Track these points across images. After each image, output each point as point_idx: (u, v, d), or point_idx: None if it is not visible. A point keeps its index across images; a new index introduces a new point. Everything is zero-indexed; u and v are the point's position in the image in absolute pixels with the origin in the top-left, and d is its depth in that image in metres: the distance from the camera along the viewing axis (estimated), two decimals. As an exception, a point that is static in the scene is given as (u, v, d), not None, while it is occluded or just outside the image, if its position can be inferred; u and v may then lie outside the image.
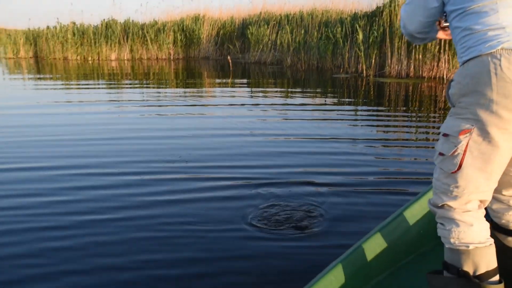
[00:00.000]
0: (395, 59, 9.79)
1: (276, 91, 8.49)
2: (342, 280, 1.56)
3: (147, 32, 17.35)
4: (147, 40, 17.35)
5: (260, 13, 17.21)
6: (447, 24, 1.48)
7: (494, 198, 1.53)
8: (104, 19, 17.72)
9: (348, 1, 15.66)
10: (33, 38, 18.29)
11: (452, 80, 1.39)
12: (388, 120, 5.74)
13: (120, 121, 5.88)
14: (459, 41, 1.36)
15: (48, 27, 17.93)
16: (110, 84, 9.97)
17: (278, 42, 14.06)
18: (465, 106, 1.32)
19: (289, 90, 8.73)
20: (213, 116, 6.21)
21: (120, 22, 17.78)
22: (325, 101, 7.38)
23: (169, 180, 3.42)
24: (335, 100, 7.47)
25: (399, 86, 8.88)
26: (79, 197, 3.08)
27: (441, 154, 1.39)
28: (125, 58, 17.41)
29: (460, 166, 1.34)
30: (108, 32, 17.23)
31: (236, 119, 5.78)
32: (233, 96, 7.94)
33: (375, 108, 6.71)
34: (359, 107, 6.78)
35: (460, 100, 1.33)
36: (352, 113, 6.29)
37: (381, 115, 6.13)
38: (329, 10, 15.02)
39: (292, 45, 13.35)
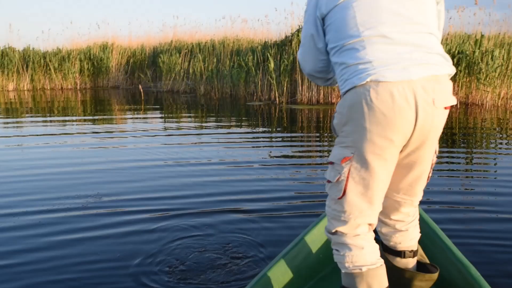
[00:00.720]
0: (305, 87, 10.15)
1: (190, 120, 8.32)
2: None
3: (50, 60, 16.31)
4: (50, 69, 16.29)
5: (171, 41, 17.04)
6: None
7: (382, 222, 1.67)
8: (-1, 47, 16.39)
9: (257, 30, 16.15)
10: None
11: (335, 111, 1.49)
12: (301, 145, 5.90)
13: (21, 156, 5.34)
14: (338, 75, 1.46)
15: None
16: (7, 116, 9.10)
17: (191, 70, 13.97)
18: (345, 135, 1.42)
19: (204, 118, 8.61)
20: (126, 147, 5.87)
21: (18, 50, 16.53)
22: (240, 128, 7.36)
23: (79, 217, 3.20)
24: (249, 127, 7.48)
25: (310, 112, 9.17)
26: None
27: (328, 181, 1.49)
28: (25, 88, 16.16)
29: (344, 192, 1.44)
30: (5, 60, 15.91)
31: (150, 150, 5.51)
32: (146, 127, 7.62)
33: (288, 134, 6.83)
34: (273, 134, 6.85)
35: (342, 130, 1.43)
36: (267, 139, 6.34)
37: (294, 140, 6.29)
38: (239, 39, 15.31)
39: (205, 73, 13.33)
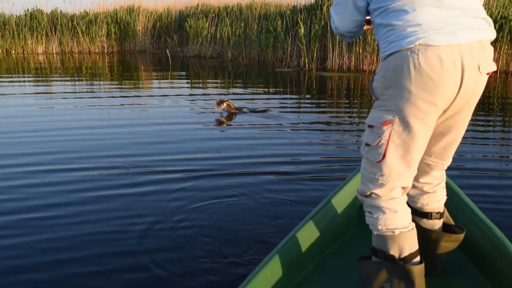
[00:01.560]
0: (336, 53, 9.85)
1: (218, 85, 8.22)
2: (276, 273, 1.58)
3: (77, 24, 16.30)
4: (77, 33, 16.30)
5: (198, 5, 16.74)
6: (369, 17, 1.53)
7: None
8: (28, 9, 16.44)
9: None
10: None
11: (375, 74, 1.47)
12: (331, 112, 5.86)
13: (53, 116, 5.55)
14: (382, 37, 1.43)
15: (-37, 17, 16.30)
16: (38, 79, 9.19)
17: (218, 35, 13.75)
18: (387, 98, 1.41)
19: (231, 84, 8.49)
20: (156, 110, 5.88)
21: (46, 13, 16.56)
22: (268, 93, 7.24)
23: (111, 175, 3.32)
24: (278, 93, 7.33)
25: (340, 79, 8.93)
26: (15, 195, 2.94)
27: (367, 144, 1.48)
28: (54, 51, 16.27)
29: (384, 155, 1.44)
30: (33, 23, 15.98)
31: (180, 113, 5.52)
32: (174, 92, 7.56)
33: (318, 100, 6.73)
34: (302, 100, 6.72)
35: (383, 93, 1.42)
36: (296, 104, 6.26)
37: (324, 106, 6.23)
38: (267, 3, 14.92)
39: (232, 38, 13.10)
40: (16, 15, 16.36)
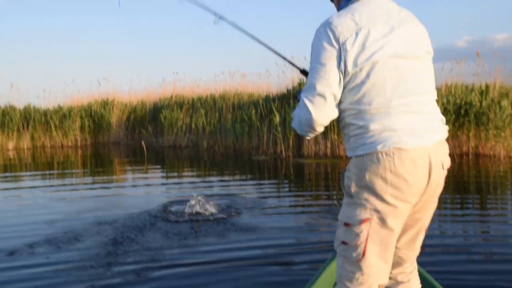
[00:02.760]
0: (312, 140, 10.01)
1: (194, 174, 8.08)
2: None
3: (50, 118, 16.26)
4: (50, 127, 16.21)
5: (172, 96, 17.11)
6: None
7: None
8: (0, 106, 16.37)
9: (257, 84, 16.29)
10: None
11: (346, 171, 1.51)
12: (309, 196, 5.77)
13: (18, 211, 5.13)
14: (353, 136, 1.49)
15: None
16: (6, 174, 8.82)
17: (193, 125, 13.90)
18: (364, 198, 1.45)
19: (207, 172, 8.38)
20: (125, 197, 5.58)
21: (19, 109, 16.53)
22: (245, 180, 7.12)
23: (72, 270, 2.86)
24: (255, 180, 7.23)
25: (318, 166, 8.98)
26: None
27: (344, 243, 1.49)
28: (25, 146, 15.99)
29: (364, 253, 1.45)
30: (5, 119, 15.85)
31: (150, 201, 5.23)
32: (149, 182, 7.35)
33: (295, 186, 6.69)
34: (280, 186, 6.64)
35: (358, 191, 1.46)
36: (274, 190, 6.20)
37: (301, 191, 6.20)
38: (240, 93, 15.39)
39: (207, 128, 13.25)
40: (-12, 113, 16.22)
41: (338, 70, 1.45)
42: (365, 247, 1.45)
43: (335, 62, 1.46)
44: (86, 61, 30.27)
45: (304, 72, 1.83)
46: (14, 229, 4.57)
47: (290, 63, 1.97)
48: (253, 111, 11.63)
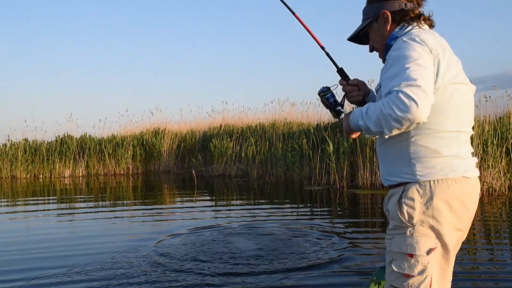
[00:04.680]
0: (367, 171, 9.59)
1: (244, 203, 7.86)
2: None
3: (104, 147, 16.77)
4: (104, 155, 16.69)
5: (221, 125, 17.25)
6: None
7: None
8: (59, 135, 17.11)
9: (307, 113, 16.10)
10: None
11: (404, 198, 1.45)
12: (366, 231, 5.24)
13: (72, 233, 5.09)
14: (419, 158, 1.45)
15: (-4, 145, 16.98)
16: (63, 198, 9.01)
17: (243, 154, 13.82)
18: (429, 226, 1.42)
19: (257, 202, 8.14)
20: (175, 222, 5.46)
21: (76, 138, 17.19)
22: (297, 212, 6.81)
23: None
24: (309, 212, 6.90)
25: (374, 197, 8.52)
26: None
27: (407, 275, 1.42)
28: (80, 174, 16.51)
29: (430, 285, 1.41)
30: (63, 148, 16.50)
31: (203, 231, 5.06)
32: (200, 211, 7.21)
33: (351, 219, 6.24)
34: (335, 219, 6.25)
35: (423, 219, 1.42)
36: (329, 224, 5.78)
37: (358, 225, 5.75)
38: (289, 122, 15.24)
39: (257, 157, 13.11)
40: (48, 141, 17.00)
41: (433, 76, 1.43)
42: (431, 278, 1.41)
43: (433, 69, 1.42)
44: (139, 92, 31.42)
45: (341, 72, 1.81)
46: (68, 247, 5.00)
47: (328, 56, 1.84)
48: (304, 140, 11.38)
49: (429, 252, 1.41)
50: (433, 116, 1.41)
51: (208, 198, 9.53)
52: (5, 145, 16.73)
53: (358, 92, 1.78)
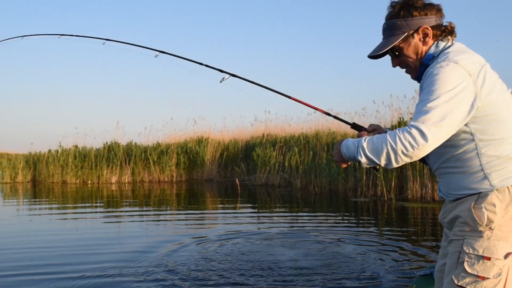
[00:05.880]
0: (417, 183, 9.21)
1: (286, 214, 7.71)
2: None
3: (150, 154, 17.12)
4: (149, 163, 17.03)
5: (263, 134, 17.21)
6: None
7: None
8: (106, 142, 17.63)
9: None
10: (33, 162, 17.95)
11: (485, 203, 1.47)
12: (417, 245, 4.94)
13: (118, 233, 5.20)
14: (493, 167, 1.49)
15: (49, 151, 17.72)
16: (109, 202, 9.20)
17: (286, 164, 13.68)
18: (507, 230, 1.45)
19: (300, 212, 7.97)
20: (215, 229, 5.40)
21: (122, 145, 17.65)
22: (343, 224, 6.58)
23: None
24: (355, 224, 6.66)
25: (425, 211, 8.15)
26: None
27: (482, 277, 1.44)
28: (126, 181, 16.91)
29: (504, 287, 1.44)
30: (110, 154, 16.99)
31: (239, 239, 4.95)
32: (241, 219, 7.14)
33: (401, 233, 5.92)
34: (384, 232, 5.98)
35: (502, 224, 1.45)
36: (377, 237, 5.51)
37: (408, 238, 5.38)
38: (333, 132, 14.98)
39: (301, 167, 12.93)
40: (96, 148, 17.57)
41: (470, 103, 1.47)
42: (505, 281, 1.43)
43: (466, 94, 1.46)
44: (184, 101, 32.04)
45: (355, 126, 1.93)
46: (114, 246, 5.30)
47: (337, 118, 2.04)
48: (350, 150, 11.09)
49: (506, 256, 1.43)
50: (495, 126, 1.50)
51: (250, 206, 9.47)
52: (57, 151, 17.43)
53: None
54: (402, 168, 9.57)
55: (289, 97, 2.30)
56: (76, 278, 3.88)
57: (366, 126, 1.90)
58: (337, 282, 3.72)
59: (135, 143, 18.02)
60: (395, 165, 1.49)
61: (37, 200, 11.33)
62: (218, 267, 4.20)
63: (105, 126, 33.23)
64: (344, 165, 1.71)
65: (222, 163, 17.53)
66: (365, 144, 1.53)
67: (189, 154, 17.39)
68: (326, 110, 2.26)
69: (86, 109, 30.88)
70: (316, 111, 2.23)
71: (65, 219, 8.02)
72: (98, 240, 5.77)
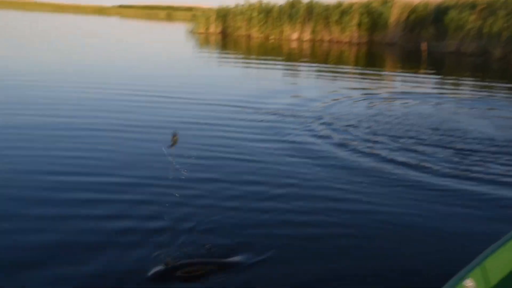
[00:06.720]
0: None
1: (481, 85, 6.85)
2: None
3: (330, 14, 16.62)
4: (329, 22, 16.63)
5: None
6: None
7: None
8: (289, -1, 17.58)
9: None
10: (223, 15, 19.17)
11: None
12: None
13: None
14: None
15: (237, 5, 18.60)
16: (289, 60, 9.52)
17: (484, 30, 11.86)
18: None
19: (507, 85, 6.99)
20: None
21: (304, 2, 17.44)
22: None
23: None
24: None
25: None
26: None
27: None
28: (305, 39, 17.04)
29: None
30: (292, 11, 17.05)
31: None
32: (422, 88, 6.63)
33: None
34: None
35: None
36: None
37: None
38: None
39: (504, 34, 11.08)
40: (279, 5, 17.77)
41: None
42: None
43: None
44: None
45: None
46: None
47: None
48: None
49: None
50: None
51: (434, 72, 8.69)
52: (243, 5, 18.17)
53: None
54: None
55: None
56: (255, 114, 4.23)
57: None
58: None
59: (317, 2, 17.58)
60: None
61: (226, 51, 12.31)
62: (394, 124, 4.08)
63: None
64: None
65: (408, 27, 16.08)
66: None
67: (372, 15, 16.31)
68: None
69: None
70: None
71: (249, 67, 8.57)
72: (275, 88, 6.05)
